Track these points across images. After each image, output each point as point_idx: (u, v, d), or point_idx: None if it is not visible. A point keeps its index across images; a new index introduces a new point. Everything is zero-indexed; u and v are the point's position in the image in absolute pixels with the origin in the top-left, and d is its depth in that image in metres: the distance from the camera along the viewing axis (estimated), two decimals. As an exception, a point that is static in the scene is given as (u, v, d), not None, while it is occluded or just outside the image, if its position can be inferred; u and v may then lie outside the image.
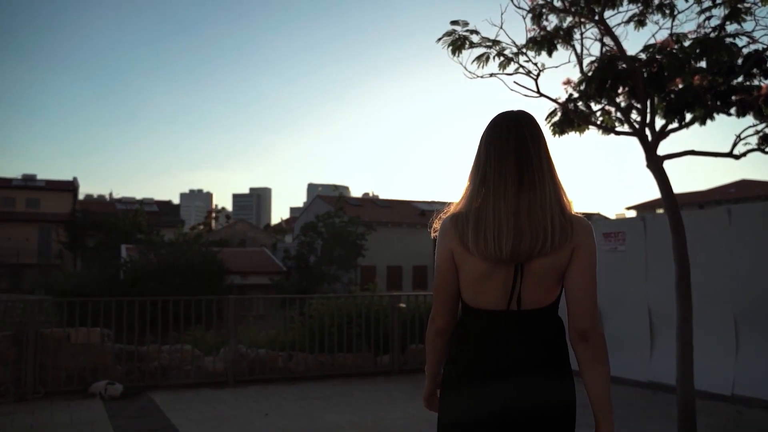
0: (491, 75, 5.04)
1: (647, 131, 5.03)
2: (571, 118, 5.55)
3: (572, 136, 5.70)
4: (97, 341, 7.31)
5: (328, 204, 38.52)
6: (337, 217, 33.92)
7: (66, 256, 40.87)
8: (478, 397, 1.71)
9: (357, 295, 9.73)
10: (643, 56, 4.87)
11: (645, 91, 4.70)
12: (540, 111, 6.25)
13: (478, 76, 5.05)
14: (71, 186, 46.00)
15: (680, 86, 4.76)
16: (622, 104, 5.33)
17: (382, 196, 48.17)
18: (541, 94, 5.10)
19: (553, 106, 5.38)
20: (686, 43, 4.96)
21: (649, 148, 4.91)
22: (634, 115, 5.48)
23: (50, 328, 7.27)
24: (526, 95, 5.13)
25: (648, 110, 4.87)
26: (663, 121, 5.36)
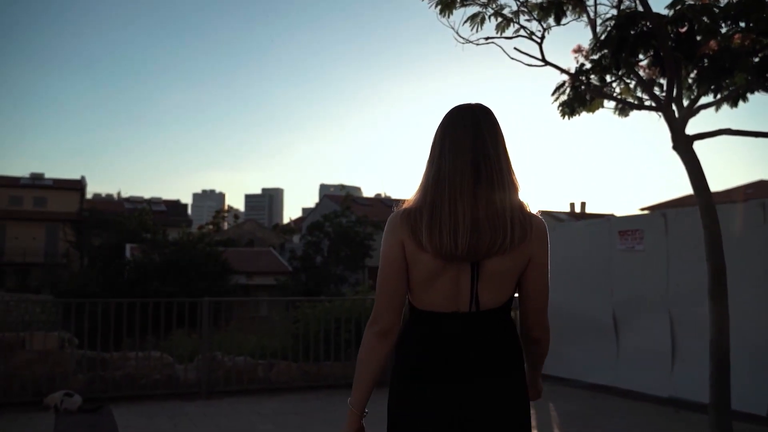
0: (487, 39, 4.27)
1: (674, 107, 4.24)
2: (582, 95, 4.77)
3: (581, 119, 4.93)
4: (55, 347, 6.61)
5: (337, 204, 37.85)
6: (344, 216, 33.21)
7: (73, 255, 40.59)
8: (430, 403, 1.64)
9: (347, 298, 8.96)
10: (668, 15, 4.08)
11: (672, 56, 3.90)
12: (545, 84, 5.45)
13: (471, 42, 4.28)
14: (79, 185, 45.76)
15: (714, 50, 3.95)
16: (644, 76, 4.54)
17: (394, 197, 47.49)
18: (547, 62, 4.33)
19: (561, 78, 4.61)
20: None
21: (677, 126, 4.12)
22: (657, 91, 4.69)
23: (2, 333, 6.57)
24: (529, 64, 4.36)
25: (675, 80, 4.07)
26: (688, 99, 4.57)
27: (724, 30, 3.95)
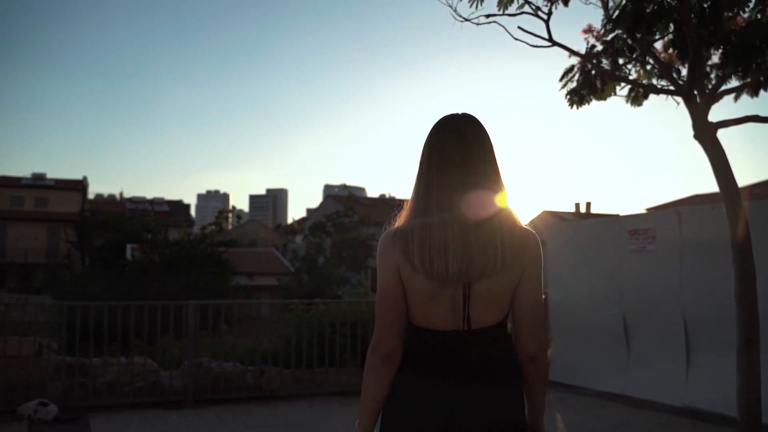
0: (488, 17, 3.87)
1: (695, 92, 3.83)
2: (592, 81, 4.38)
3: (589, 109, 4.53)
4: (31, 353, 6.24)
5: (340, 204, 37.48)
6: (347, 216, 32.84)
7: (74, 255, 40.38)
8: (425, 416, 1.63)
9: (343, 300, 8.57)
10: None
11: (696, 33, 3.49)
12: (553, 67, 5.03)
13: (470, 21, 3.88)
14: (80, 185, 45.57)
15: (742, 27, 3.55)
16: (662, 57, 4.14)
17: (398, 197, 46.89)
18: (555, 43, 3.92)
19: (569, 62, 4.21)
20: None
21: (699, 113, 3.71)
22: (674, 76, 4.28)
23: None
24: (535, 45, 3.96)
25: (697, 61, 3.66)
26: (709, 86, 4.16)
27: (752, 4, 3.55)
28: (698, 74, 3.73)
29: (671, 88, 3.91)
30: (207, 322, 6.99)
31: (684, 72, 4.27)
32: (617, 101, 4.78)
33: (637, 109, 4.67)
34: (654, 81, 4.65)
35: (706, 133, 3.63)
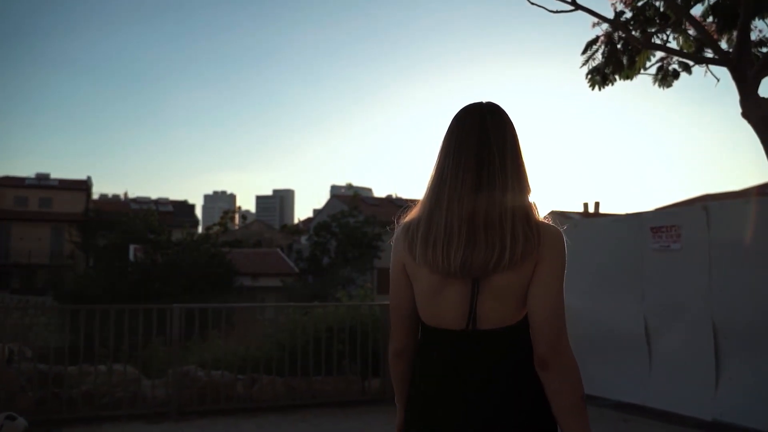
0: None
1: (741, 62, 3.28)
2: (618, 57, 3.83)
3: (591, 106, 3.99)
4: (0, 362, 5.75)
5: (345, 204, 37.02)
6: (352, 216, 32.35)
7: (78, 256, 40.20)
8: (427, 415, 1.59)
9: (341, 303, 8.04)
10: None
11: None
12: (576, 37, 4.48)
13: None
14: (84, 185, 45.36)
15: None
16: (694, 35, 3.59)
17: (405, 198, 46.28)
18: (578, 6, 3.38)
19: (594, 32, 3.66)
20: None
21: (748, 86, 3.16)
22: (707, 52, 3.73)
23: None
24: (555, 11, 3.42)
25: (749, 24, 3.11)
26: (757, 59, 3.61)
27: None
28: (747, 41, 3.18)
29: (703, 56, 3.37)
30: (194, 327, 6.50)
31: (722, 47, 3.72)
32: (631, 92, 4.25)
33: (641, 108, 4.17)
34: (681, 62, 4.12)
35: (759, 109, 3.09)
